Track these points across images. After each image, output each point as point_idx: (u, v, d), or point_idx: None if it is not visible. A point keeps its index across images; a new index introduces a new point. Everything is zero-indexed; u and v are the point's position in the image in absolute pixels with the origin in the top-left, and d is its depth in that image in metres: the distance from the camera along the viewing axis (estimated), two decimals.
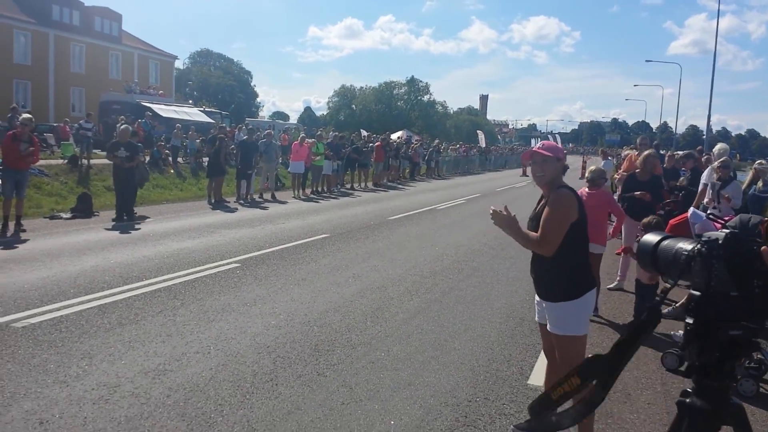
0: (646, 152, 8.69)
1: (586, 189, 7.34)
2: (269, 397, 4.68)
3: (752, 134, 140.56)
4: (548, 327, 3.89)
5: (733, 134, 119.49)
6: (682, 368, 1.44)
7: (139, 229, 12.18)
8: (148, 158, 22.20)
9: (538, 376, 5.33)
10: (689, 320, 1.33)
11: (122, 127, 14.58)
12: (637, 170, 8.53)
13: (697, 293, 1.31)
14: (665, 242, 1.52)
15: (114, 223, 12.74)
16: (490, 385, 5.13)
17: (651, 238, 1.58)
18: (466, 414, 4.56)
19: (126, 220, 13.03)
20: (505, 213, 3.78)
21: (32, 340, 5.62)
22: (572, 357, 3.72)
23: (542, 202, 3.94)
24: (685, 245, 1.41)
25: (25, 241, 10.44)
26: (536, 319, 4.10)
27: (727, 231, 1.28)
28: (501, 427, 4.38)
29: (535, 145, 3.99)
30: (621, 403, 4.94)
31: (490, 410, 4.65)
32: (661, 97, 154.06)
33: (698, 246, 1.33)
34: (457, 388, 5.03)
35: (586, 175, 7.94)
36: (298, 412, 4.46)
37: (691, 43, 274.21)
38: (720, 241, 1.26)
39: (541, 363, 5.62)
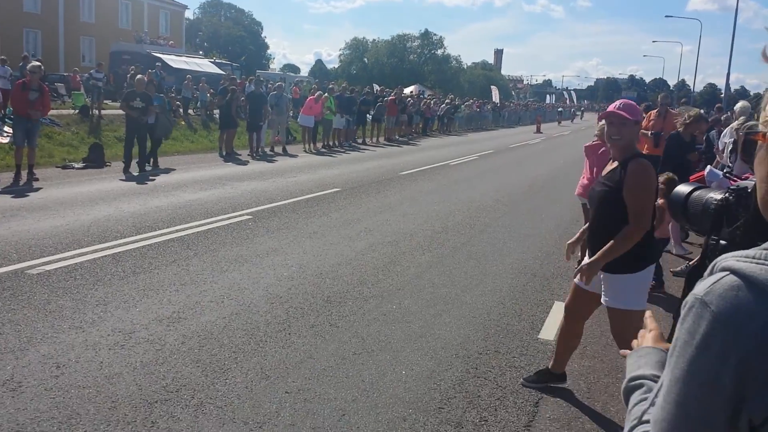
0: (695, 111, 8.48)
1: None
2: (282, 345, 4.73)
3: None
4: (603, 299, 3.77)
5: (751, 93, 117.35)
6: None
7: (153, 180, 12.20)
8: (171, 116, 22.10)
9: (548, 331, 5.36)
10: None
11: (138, 76, 14.41)
12: (680, 128, 8.30)
13: (724, 242, 1.27)
14: (696, 192, 1.48)
15: (126, 173, 12.75)
16: (500, 338, 5.16)
17: (683, 188, 1.54)
18: (476, 366, 4.59)
19: (142, 171, 13.01)
20: (585, 269, 3.69)
21: (47, 286, 5.68)
22: (627, 332, 3.43)
23: (615, 168, 3.67)
24: (715, 195, 1.37)
25: (37, 189, 10.49)
26: (574, 280, 3.98)
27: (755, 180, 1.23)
28: (511, 379, 4.41)
29: (613, 104, 3.76)
30: None
31: (501, 363, 4.68)
32: (680, 54, 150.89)
33: (727, 194, 1.29)
34: (468, 341, 5.06)
35: (596, 131, 7.78)
36: (311, 360, 4.50)
37: None
38: (749, 190, 1.22)
39: (552, 318, 5.66)
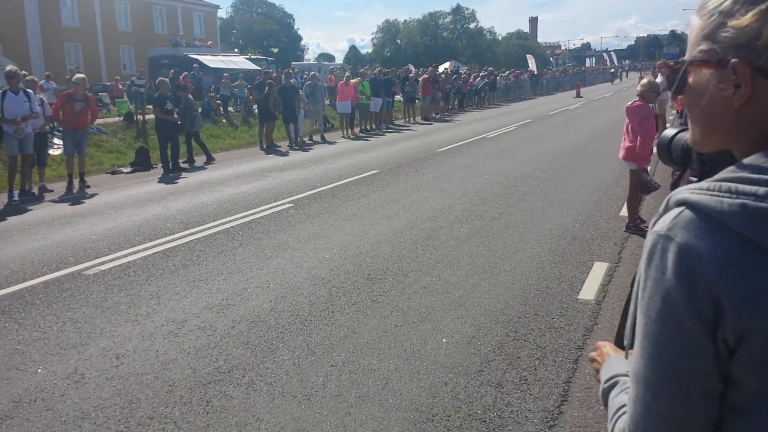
0: None
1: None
2: (326, 323, 4.91)
3: None
4: None
5: None
6: None
7: (189, 177, 12.57)
8: (199, 109, 22.60)
9: (588, 291, 5.40)
10: None
11: (159, 80, 14.79)
12: None
13: (695, 179, 1.34)
14: (679, 134, 1.54)
15: (167, 174, 13.16)
16: (540, 301, 5.23)
17: (669, 132, 1.60)
18: (516, 329, 4.68)
19: (171, 170, 13.42)
20: None
21: (103, 285, 6.00)
22: None
23: None
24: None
25: (90, 196, 10.95)
26: None
27: None
28: (551, 340, 4.49)
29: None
30: None
31: (540, 324, 4.76)
32: None
33: None
34: (508, 306, 5.14)
35: (638, 89, 7.67)
36: (354, 335, 4.67)
37: None
38: None
39: (591, 278, 5.71)
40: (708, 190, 0.92)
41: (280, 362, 4.29)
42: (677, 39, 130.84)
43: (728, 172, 0.93)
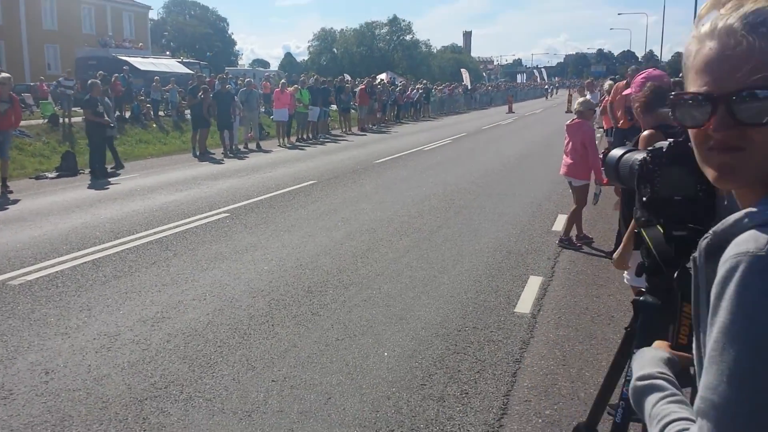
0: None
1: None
2: (266, 337, 4.85)
3: None
4: (625, 277, 3.87)
5: None
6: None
7: (118, 184, 12.19)
8: (128, 113, 22.00)
9: (524, 304, 5.54)
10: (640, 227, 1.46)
11: (91, 81, 14.28)
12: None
13: (644, 199, 1.42)
14: (626, 155, 1.63)
15: (97, 180, 12.71)
16: (478, 315, 5.32)
17: (616, 152, 1.69)
18: (455, 342, 4.75)
19: (101, 176, 12.97)
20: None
21: (30, 296, 5.73)
22: None
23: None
24: (639, 155, 1.52)
25: (13, 202, 10.45)
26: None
27: (671, 141, 1.38)
28: (489, 353, 4.58)
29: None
30: (605, 324, 5.14)
31: (479, 338, 4.84)
32: (646, 25, 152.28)
33: (645, 155, 1.44)
34: (447, 319, 5.21)
35: (575, 107, 8.01)
36: (295, 349, 4.63)
37: None
38: (664, 149, 1.37)
39: (527, 292, 5.85)
40: None
41: (219, 377, 4.20)
42: (604, 57, 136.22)
43: None
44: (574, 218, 7.55)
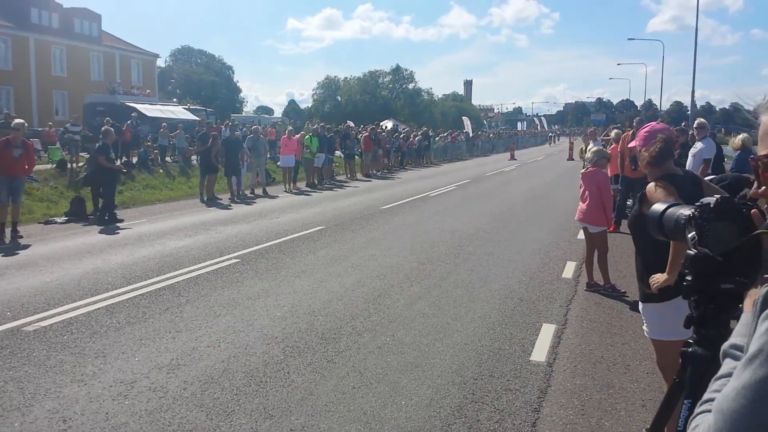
0: (743, 136, 8.35)
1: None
2: (282, 385, 4.83)
3: (736, 108, 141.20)
4: (645, 330, 3.79)
5: (717, 108, 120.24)
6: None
7: (128, 229, 12.26)
8: (135, 159, 22.27)
9: (539, 353, 5.53)
10: (688, 277, 1.51)
11: (104, 128, 14.51)
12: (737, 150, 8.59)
13: (692, 252, 1.48)
14: (670, 209, 1.69)
15: (101, 226, 12.76)
16: (494, 362, 5.31)
17: (658, 207, 1.74)
18: (473, 391, 4.73)
19: (108, 221, 13.03)
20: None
21: (45, 342, 5.74)
22: (673, 363, 3.34)
23: None
24: (685, 210, 1.58)
25: (24, 247, 10.50)
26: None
27: (718, 197, 1.45)
28: (507, 402, 4.56)
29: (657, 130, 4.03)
30: (621, 373, 5.13)
31: (496, 386, 4.83)
32: (645, 74, 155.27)
33: (693, 210, 1.50)
34: (463, 367, 5.20)
35: (587, 156, 8.25)
36: (312, 397, 4.62)
37: (670, 20, 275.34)
38: (711, 205, 1.43)
39: (541, 339, 5.84)
40: None
41: (237, 426, 4.18)
42: (603, 106, 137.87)
43: None
44: (603, 265, 7.61)
